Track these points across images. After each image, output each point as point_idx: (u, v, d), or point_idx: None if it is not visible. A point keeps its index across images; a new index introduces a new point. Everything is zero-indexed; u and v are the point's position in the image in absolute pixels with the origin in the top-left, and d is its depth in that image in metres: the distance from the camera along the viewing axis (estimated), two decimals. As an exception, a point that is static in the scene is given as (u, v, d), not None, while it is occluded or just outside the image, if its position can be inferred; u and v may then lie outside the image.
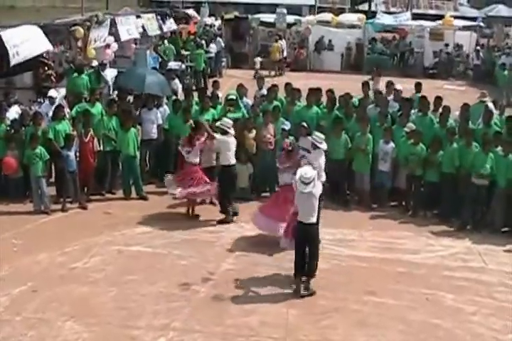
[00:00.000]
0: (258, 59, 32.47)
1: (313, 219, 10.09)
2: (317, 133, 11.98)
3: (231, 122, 13.00)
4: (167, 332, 8.90)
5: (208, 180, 12.89)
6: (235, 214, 13.01)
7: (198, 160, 13.08)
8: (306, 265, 10.17)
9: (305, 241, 10.17)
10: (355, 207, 14.07)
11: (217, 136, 12.79)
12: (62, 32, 20.30)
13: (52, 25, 19.46)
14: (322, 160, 11.89)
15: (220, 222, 12.92)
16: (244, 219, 12.70)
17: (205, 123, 13.31)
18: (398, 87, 16.29)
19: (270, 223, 11.80)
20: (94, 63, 20.12)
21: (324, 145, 11.77)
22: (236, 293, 10.08)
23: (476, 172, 12.84)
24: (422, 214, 13.67)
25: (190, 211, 13.26)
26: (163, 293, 10.02)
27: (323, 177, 11.74)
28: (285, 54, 33.36)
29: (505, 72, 28.07)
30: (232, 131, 12.82)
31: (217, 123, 13.07)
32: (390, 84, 16.75)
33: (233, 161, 12.90)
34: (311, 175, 9.88)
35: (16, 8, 51.84)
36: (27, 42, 16.47)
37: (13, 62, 15.80)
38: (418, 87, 17.09)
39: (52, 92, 15.74)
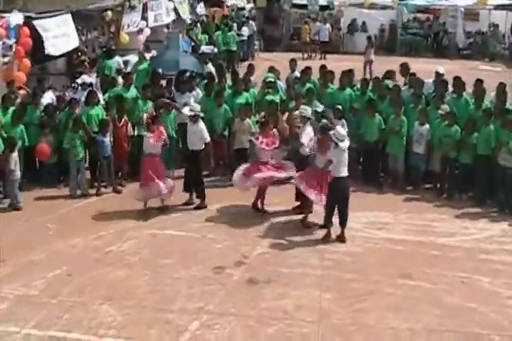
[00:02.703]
0: None
1: (346, 172, 11.20)
2: (304, 106, 12.74)
3: (198, 107, 12.92)
4: (201, 315, 8.92)
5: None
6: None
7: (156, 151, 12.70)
8: (340, 215, 11.39)
9: (343, 192, 11.25)
10: (389, 189, 13.96)
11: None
12: (95, 17, 20.32)
13: (84, 11, 19.49)
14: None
15: (197, 207, 12.82)
16: (278, 201, 12.67)
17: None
18: (440, 70, 15.92)
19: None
20: (153, 52, 20.15)
21: (310, 112, 12.45)
22: (270, 276, 10.06)
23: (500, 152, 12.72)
24: (456, 197, 13.53)
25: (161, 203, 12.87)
26: (197, 276, 10.05)
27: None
28: (319, 36, 33.02)
29: None
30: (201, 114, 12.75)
31: (188, 112, 12.81)
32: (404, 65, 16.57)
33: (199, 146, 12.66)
34: (344, 132, 11.19)
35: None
36: (61, 37, 16.74)
37: (47, 52, 16.05)
38: None
39: (82, 79, 15.82)
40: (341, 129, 11.33)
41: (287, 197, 12.57)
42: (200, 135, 12.58)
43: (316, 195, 11.55)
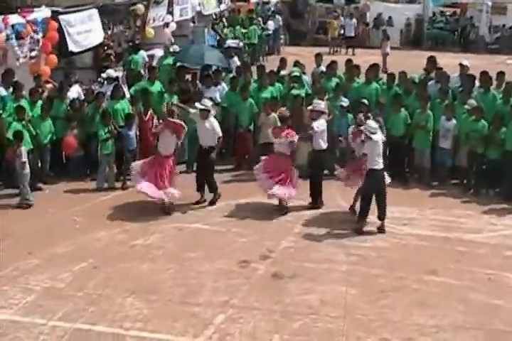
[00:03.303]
0: None
1: (382, 164, 11.27)
2: (317, 101, 12.74)
3: (209, 102, 12.79)
4: (226, 309, 8.92)
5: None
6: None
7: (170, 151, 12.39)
8: (378, 209, 11.43)
9: (378, 184, 11.28)
10: (414, 184, 13.89)
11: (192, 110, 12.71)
12: (122, 11, 20.39)
13: (111, 5, 19.59)
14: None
15: (211, 202, 12.72)
16: (303, 196, 12.64)
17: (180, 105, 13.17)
18: (464, 62, 15.79)
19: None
20: (175, 47, 20.05)
21: (323, 106, 12.46)
22: (295, 271, 10.04)
23: None
24: (483, 193, 13.42)
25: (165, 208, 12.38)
26: (223, 270, 10.06)
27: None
28: (345, 31, 32.86)
29: None
30: (213, 112, 12.58)
31: (198, 105, 12.58)
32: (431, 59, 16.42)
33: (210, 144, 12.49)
34: (375, 126, 11.26)
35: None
36: (85, 33, 16.86)
37: (70, 48, 16.25)
38: None
39: (107, 73, 15.88)
40: (372, 122, 11.37)
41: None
42: (212, 131, 12.43)
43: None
